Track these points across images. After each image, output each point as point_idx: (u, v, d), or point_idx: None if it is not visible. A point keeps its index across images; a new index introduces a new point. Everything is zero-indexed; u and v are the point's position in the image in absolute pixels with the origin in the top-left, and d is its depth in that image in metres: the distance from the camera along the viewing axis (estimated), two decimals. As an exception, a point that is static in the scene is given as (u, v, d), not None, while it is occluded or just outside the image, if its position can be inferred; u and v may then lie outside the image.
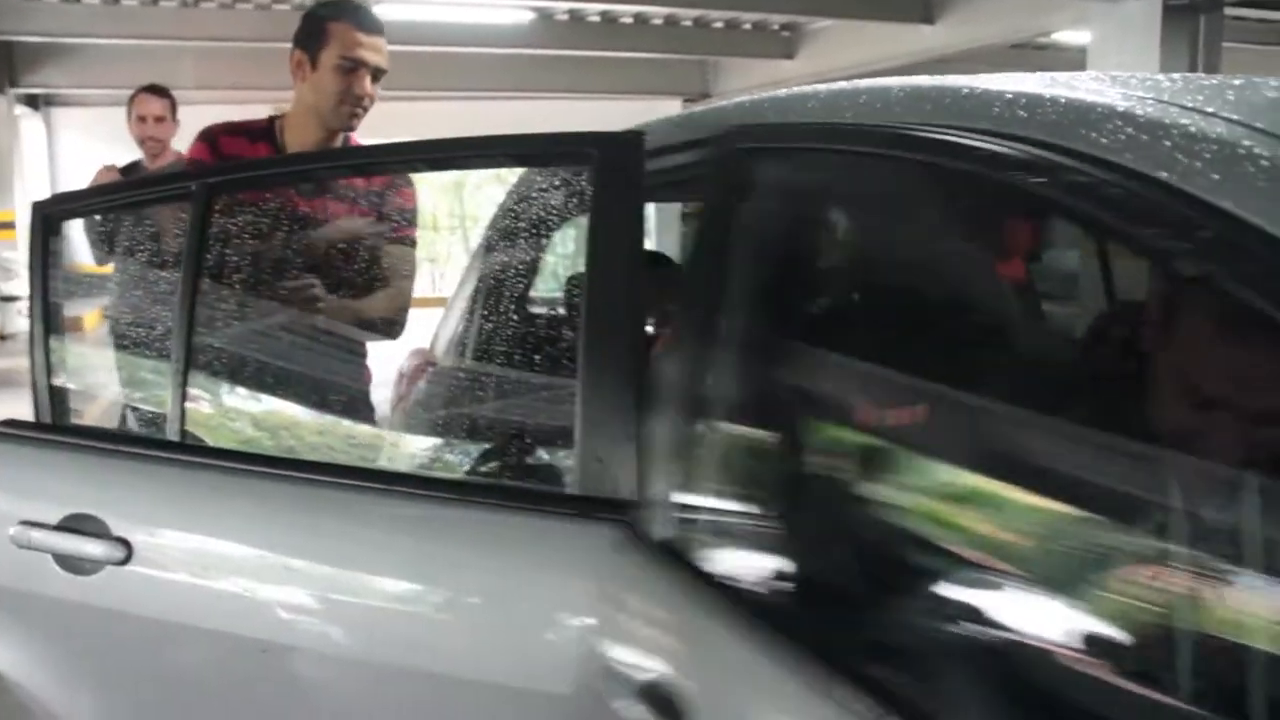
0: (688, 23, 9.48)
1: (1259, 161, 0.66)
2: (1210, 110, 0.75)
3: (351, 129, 1.92)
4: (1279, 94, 0.80)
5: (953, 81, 0.98)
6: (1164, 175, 0.70)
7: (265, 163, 1.58)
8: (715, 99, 9.74)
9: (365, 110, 1.90)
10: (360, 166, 1.53)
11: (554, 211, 1.50)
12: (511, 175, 1.74)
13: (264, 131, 1.94)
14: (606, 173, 1.22)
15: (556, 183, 1.48)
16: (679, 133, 1.35)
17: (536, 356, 1.47)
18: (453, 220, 15.30)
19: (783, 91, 1.24)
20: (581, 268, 1.28)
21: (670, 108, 9.41)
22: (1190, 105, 0.76)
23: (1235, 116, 0.73)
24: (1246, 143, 0.68)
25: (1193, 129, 0.72)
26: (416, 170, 1.55)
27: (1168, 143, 0.72)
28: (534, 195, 1.55)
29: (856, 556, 1.06)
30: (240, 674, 1.34)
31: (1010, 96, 0.88)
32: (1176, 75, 0.90)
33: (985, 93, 0.92)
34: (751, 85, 9.79)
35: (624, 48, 9.67)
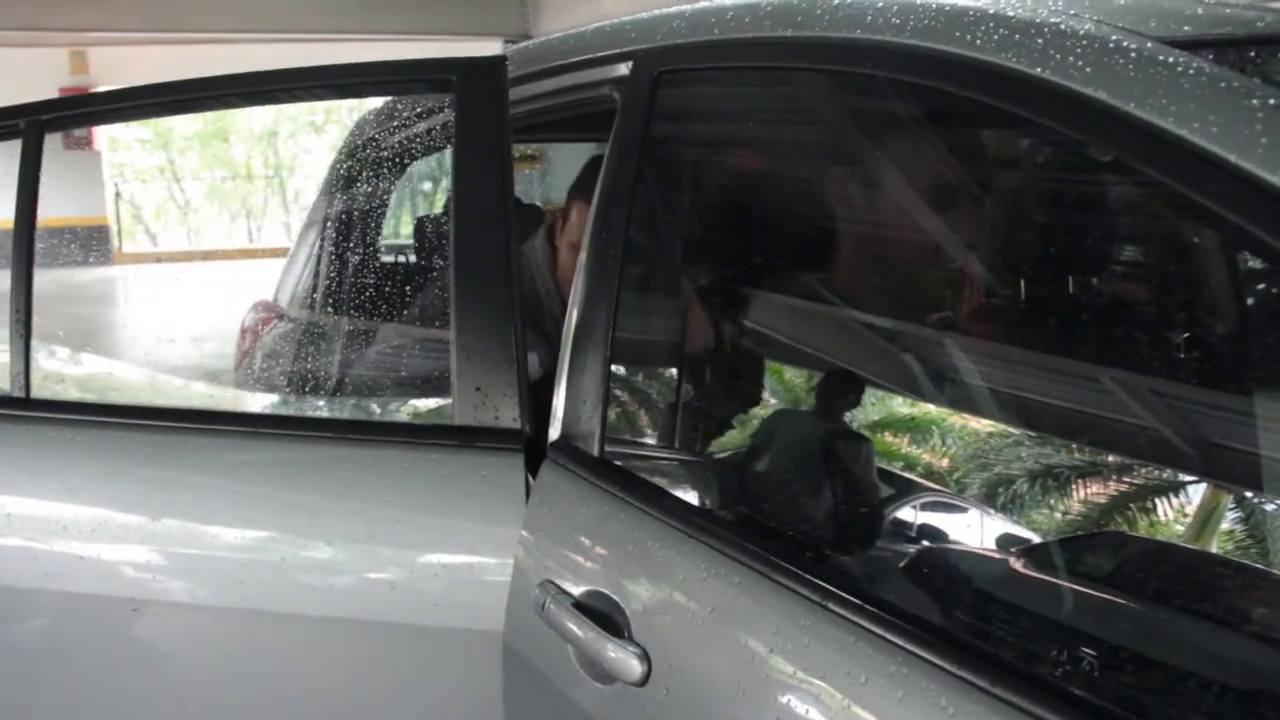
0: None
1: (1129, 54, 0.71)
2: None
3: None
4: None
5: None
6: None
7: (100, 97, 1.45)
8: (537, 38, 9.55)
9: None
10: (214, 98, 1.44)
11: (415, 143, 1.46)
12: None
13: None
14: (469, 98, 1.20)
15: (418, 111, 1.43)
16: (553, 57, 1.33)
17: (407, 291, 1.43)
18: (268, 170, 14.59)
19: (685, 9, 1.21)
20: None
21: (490, 48, 9.17)
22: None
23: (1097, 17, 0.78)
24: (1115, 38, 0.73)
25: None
26: (269, 102, 1.47)
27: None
28: (392, 126, 1.50)
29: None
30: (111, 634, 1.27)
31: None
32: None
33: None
34: (575, 24, 9.64)
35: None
